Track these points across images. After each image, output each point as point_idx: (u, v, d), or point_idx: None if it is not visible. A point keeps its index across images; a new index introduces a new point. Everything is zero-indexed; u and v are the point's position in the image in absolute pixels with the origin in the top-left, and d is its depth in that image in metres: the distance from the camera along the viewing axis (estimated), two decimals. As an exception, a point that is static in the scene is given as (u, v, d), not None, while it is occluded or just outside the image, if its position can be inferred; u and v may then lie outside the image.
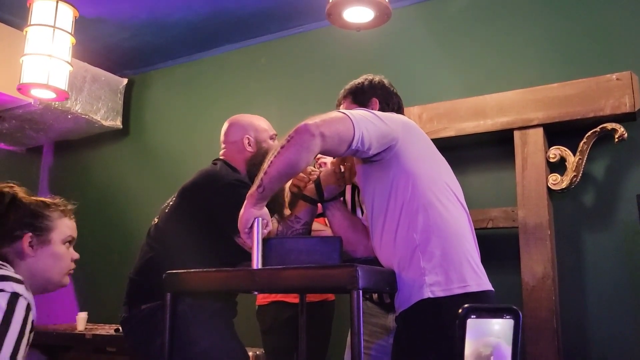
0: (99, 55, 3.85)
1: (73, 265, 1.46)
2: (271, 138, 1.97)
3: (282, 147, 1.40)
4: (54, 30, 2.70)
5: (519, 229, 2.51)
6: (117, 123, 4.03)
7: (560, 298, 2.45)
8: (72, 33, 2.81)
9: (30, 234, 1.36)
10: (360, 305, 1.29)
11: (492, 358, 0.60)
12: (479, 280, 1.46)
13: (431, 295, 1.39)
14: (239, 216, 1.46)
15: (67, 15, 2.78)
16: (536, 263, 2.44)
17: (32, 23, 2.69)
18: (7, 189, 1.41)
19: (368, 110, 1.53)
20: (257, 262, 1.44)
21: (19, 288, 1.19)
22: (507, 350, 0.60)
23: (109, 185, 4.21)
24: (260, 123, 1.99)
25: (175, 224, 1.84)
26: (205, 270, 1.52)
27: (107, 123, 3.94)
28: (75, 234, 1.48)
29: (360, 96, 1.77)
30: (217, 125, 3.79)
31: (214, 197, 1.77)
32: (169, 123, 4.03)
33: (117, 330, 3.01)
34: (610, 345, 2.40)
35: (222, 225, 1.75)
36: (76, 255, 1.47)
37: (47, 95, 2.80)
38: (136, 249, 3.87)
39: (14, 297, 1.16)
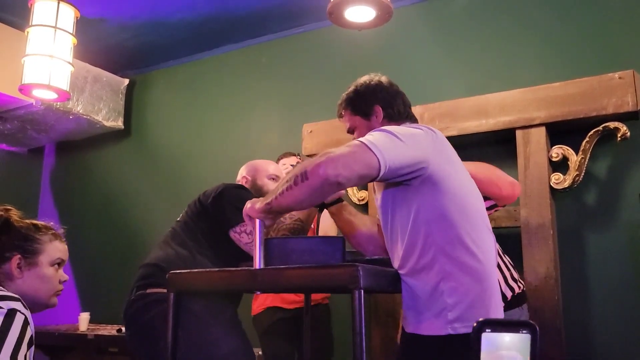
0: (100, 55, 3.85)
1: (61, 287, 1.50)
2: (270, 177, 2.13)
3: (295, 183, 1.34)
4: (55, 30, 2.70)
5: (521, 229, 2.50)
6: (119, 123, 4.03)
7: (563, 298, 2.45)
8: (74, 33, 2.81)
9: (19, 256, 1.42)
10: (362, 305, 1.29)
11: None
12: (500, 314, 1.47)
13: (452, 332, 1.39)
14: (248, 204, 1.45)
15: (69, 15, 2.78)
16: (539, 263, 2.43)
17: (33, 24, 2.69)
18: (1, 212, 1.47)
19: (391, 133, 1.41)
20: (259, 261, 1.44)
21: (16, 305, 1.25)
22: None
23: (111, 185, 4.21)
24: (262, 164, 2.18)
25: (187, 229, 1.95)
26: (208, 270, 1.52)
27: (109, 123, 3.94)
28: (65, 257, 1.53)
29: (360, 106, 1.65)
30: (218, 125, 3.83)
31: (217, 198, 1.93)
32: (171, 123, 4.04)
33: (119, 330, 3.01)
34: (614, 345, 2.39)
35: (221, 220, 1.87)
36: (65, 277, 1.51)
37: (49, 95, 2.80)
38: (138, 248, 3.90)
39: (11, 313, 1.22)
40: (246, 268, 1.51)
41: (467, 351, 1.41)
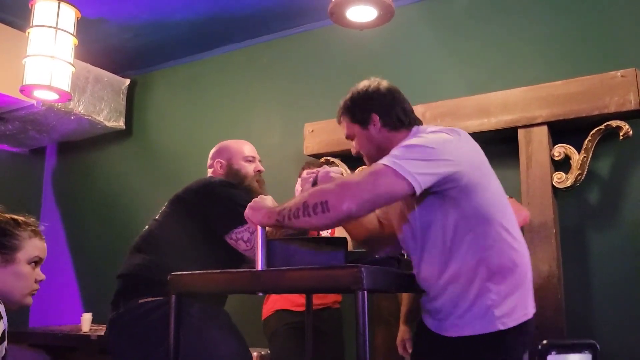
0: (101, 55, 3.85)
1: (36, 286, 1.45)
2: (246, 160, 2.03)
3: (314, 212, 1.32)
4: (56, 31, 2.70)
5: (524, 228, 2.49)
6: (120, 124, 4.02)
7: (566, 297, 2.44)
8: (75, 34, 2.81)
9: None
10: (366, 306, 1.29)
11: None
12: (532, 308, 1.51)
13: (502, 327, 1.41)
14: (252, 208, 1.44)
15: (69, 16, 2.78)
16: (541, 262, 2.43)
17: (34, 24, 2.69)
18: None
19: (419, 148, 1.40)
20: (261, 263, 1.44)
21: None
22: None
23: (113, 185, 4.21)
24: (235, 146, 2.06)
25: (170, 229, 1.86)
26: (210, 271, 1.51)
27: (110, 124, 3.94)
28: (43, 255, 1.47)
29: (358, 114, 1.61)
30: (219, 125, 3.83)
31: (205, 198, 1.83)
32: (172, 123, 4.03)
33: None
34: (617, 343, 2.38)
35: (214, 224, 1.79)
36: (41, 277, 1.46)
37: (50, 96, 2.80)
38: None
39: None
40: (248, 269, 1.51)
41: (518, 344, 1.42)
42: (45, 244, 1.50)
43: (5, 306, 1.38)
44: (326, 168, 1.69)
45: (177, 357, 1.50)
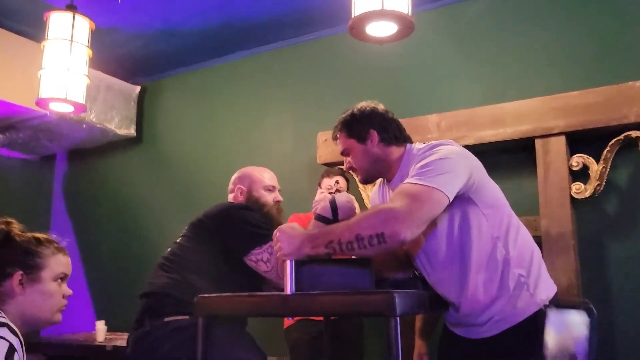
0: (112, 63, 3.84)
1: (65, 302, 1.44)
2: (266, 189, 2.05)
3: (370, 244, 1.37)
4: (71, 43, 2.68)
5: (542, 238, 2.49)
6: (131, 131, 4.02)
7: (584, 308, 2.44)
8: (89, 45, 2.80)
9: (20, 272, 1.36)
10: (398, 332, 1.29)
11: (572, 350, 0.61)
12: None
13: (543, 307, 1.44)
14: (288, 234, 1.46)
15: (84, 27, 2.76)
16: (560, 273, 2.42)
17: (49, 37, 2.67)
18: (2, 226, 1.41)
19: (441, 162, 1.49)
20: (290, 287, 1.43)
21: (0, 331, 1.19)
22: (584, 345, 0.61)
23: (124, 193, 4.21)
24: (257, 174, 2.09)
25: (192, 252, 1.89)
26: (238, 294, 1.51)
27: (121, 132, 3.94)
28: (69, 271, 1.46)
29: (356, 129, 1.69)
30: (230, 133, 3.82)
31: (224, 221, 1.87)
32: (183, 130, 4.03)
33: (137, 341, 3.01)
34: (637, 354, 2.38)
35: (233, 246, 1.82)
36: (69, 292, 1.45)
37: (65, 109, 2.78)
38: (151, 255, 3.87)
39: None
40: (277, 293, 1.51)
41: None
42: (69, 260, 1.49)
43: (35, 326, 1.38)
44: (344, 196, 1.75)
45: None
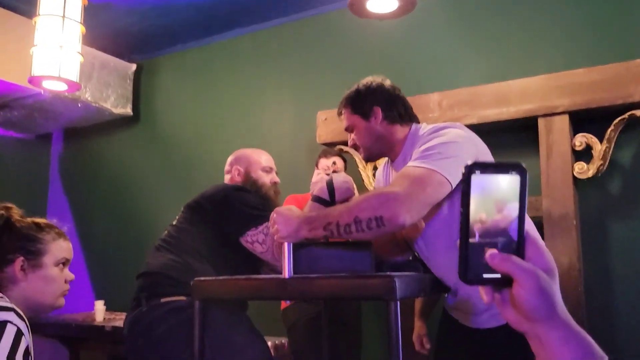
0: (106, 40, 3.76)
1: (67, 287, 1.43)
2: (264, 170, 2.04)
3: (368, 228, 1.33)
4: (63, 20, 2.62)
5: (543, 219, 2.46)
6: (127, 110, 3.96)
7: (586, 289, 2.42)
8: (82, 22, 2.73)
9: (22, 257, 1.35)
10: (398, 316, 1.27)
11: (498, 214, 0.57)
12: None
13: None
14: (285, 216, 1.42)
15: (76, 3, 2.69)
16: (561, 254, 2.40)
17: (40, 13, 2.61)
18: (2, 211, 1.39)
19: (446, 146, 1.43)
20: (289, 270, 1.40)
21: (7, 316, 1.19)
22: (514, 207, 0.57)
23: (121, 172, 4.17)
24: (254, 156, 2.08)
25: (188, 234, 1.88)
26: (235, 277, 1.48)
27: (118, 110, 3.88)
28: (70, 256, 1.45)
29: (360, 105, 1.64)
30: (228, 111, 3.76)
31: (219, 203, 1.85)
32: (180, 109, 3.97)
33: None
34: (637, 336, 2.37)
35: (229, 227, 1.80)
36: (71, 277, 1.44)
37: (59, 87, 2.73)
38: (149, 234, 3.87)
39: (1, 325, 1.16)
40: (275, 276, 1.48)
41: None
42: (70, 245, 1.48)
43: (38, 311, 1.37)
44: (342, 177, 1.70)
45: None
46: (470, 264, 0.58)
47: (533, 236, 0.59)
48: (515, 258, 0.57)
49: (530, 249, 0.58)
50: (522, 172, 0.58)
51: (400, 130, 1.63)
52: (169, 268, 1.80)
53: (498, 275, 0.57)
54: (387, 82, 1.68)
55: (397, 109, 1.63)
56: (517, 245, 0.58)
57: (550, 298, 0.56)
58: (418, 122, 1.68)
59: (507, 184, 0.58)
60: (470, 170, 0.57)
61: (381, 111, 1.62)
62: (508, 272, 0.56)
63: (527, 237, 0.58)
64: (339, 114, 1.71)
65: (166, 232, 1.93)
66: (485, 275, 0.58)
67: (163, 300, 1.75)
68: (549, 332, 0.56)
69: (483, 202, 0.57)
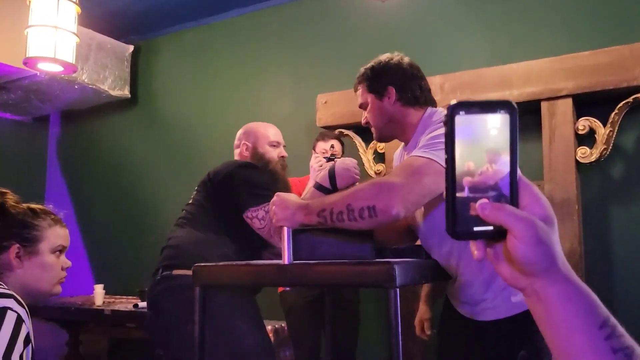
0: (103, 21, 3.70)
1: (64, 274, 1.41)
2: (271, 144, 2.03)
3: (361, 217, 1.29)
4: (58, 0, 2.57)
5: (545, 204, 2.44)
6: (125, 92, 3.92)
7: (587, 274, 2.41)
8: (77, 2, 2.68)
9: (17, 245, 1.32)
10: (398, 304, 1.25)
11: (487, 160, 0.51)
12: None
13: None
14: (284, 200, 1.39)
15: (71, -17, 2.64)
16: (563, 239, 2.36)
17: (35, -8, 2.55)
18: None
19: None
20: (288, 256, 1.38)
21: (7, 302, 1.18)
22: (505, 151, 0.51)
23: (119, 154, 4.15)
24: (262, 130, 2.07)
25: (202, 210, 1.90)
26: (234, 263, 1.47)
27: (115, 92, 3.84)
28: (66, 243, 1.43)
29: (375, 84, 1.57)
30: (227, 93, 3.72)
31: (227, 179, 1.87)
32: (178, 91, 3.93)
33: (135, 305, 3.00)
34: (638, 320, 2.36)
35: (234, 203, 1.82)
36: (68, 264, 1.42)
37: (54, 68, 2.68)
38: (147, 216, 3.86)
39: (1, 312, 1.15)
40: (275, 262, 1.46)
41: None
42: (67, 231, 1.45)
43: (35, 298, 1.36)
44: (345, 162, 1.66)
45: (202, 346, 1.48)
46: (459, 217, 0.51)
47: (527, 182, 0.53)
48: (508, 207, 0.50)
49: (524, 197, 0.52)
50: (511, 110, 0.52)
51: (413, 114, 1.55)
52: (187, 242, 1.84)
53: (490, 228, 0.51)
54: (406, 60, 1.59)
55: (413, 90, 1.55)
56: (510, 193, 0.52)
57: (550, 249, 0.51)
58: (435, 105, 1.61)
59: (495, 125, 0.52)
60: (453, 110, 0.51)
61: (395, 92, 1.55)
62: (501, 222, 0.50)
63: (521, 183, 0.52)
64: (356, 89, 1.64)
65: (185, 209, 1.97)
66: (476, 228, 0.51)
67: (175, 272, 1.77)
68: (548, 287, 0.51)
69: (470, 147, 0.51)
